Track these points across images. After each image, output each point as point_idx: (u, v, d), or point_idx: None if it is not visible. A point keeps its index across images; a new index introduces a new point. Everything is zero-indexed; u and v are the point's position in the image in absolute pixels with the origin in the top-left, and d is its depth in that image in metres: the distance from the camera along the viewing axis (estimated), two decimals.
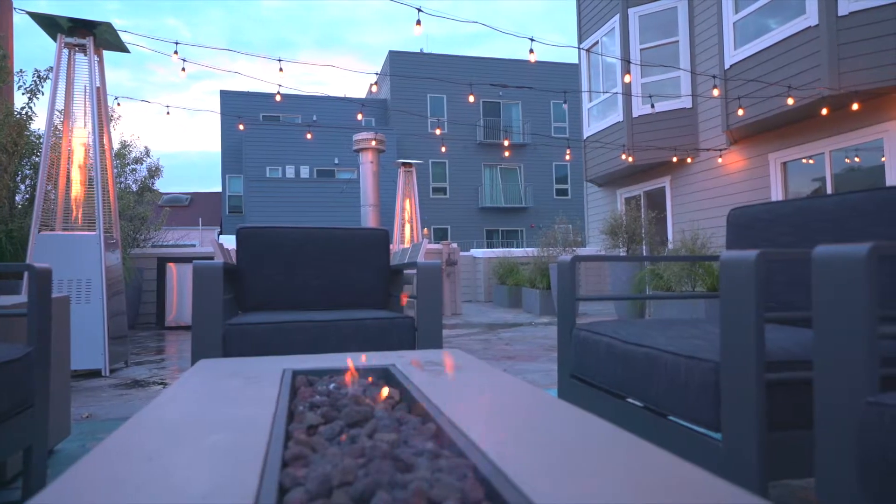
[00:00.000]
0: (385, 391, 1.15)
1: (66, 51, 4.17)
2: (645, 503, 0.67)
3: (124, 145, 7.59)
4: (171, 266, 7.16)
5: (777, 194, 8.42)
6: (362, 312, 2.31)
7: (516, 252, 11.53)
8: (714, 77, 8.53)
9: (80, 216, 4.15)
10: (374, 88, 6.47)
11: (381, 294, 2.75)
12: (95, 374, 3.94)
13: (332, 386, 1.21)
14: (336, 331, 2.10)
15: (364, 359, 1.49)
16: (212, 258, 6.96)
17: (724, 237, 8.61)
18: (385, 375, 1.36)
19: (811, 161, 8.03)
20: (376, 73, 6.76)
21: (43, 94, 5.35)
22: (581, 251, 10.07)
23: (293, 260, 2.62)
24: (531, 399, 1.16)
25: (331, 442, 0.85)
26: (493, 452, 0.80)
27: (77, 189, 4.18)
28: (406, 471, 0.71)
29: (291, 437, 0.86)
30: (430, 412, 0.99)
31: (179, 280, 7.12)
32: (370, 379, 1.30)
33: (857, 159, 7.54)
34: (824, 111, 7.31)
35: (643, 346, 1.54)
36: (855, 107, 7.00)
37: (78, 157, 4.24)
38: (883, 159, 7.04)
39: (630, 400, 1.64)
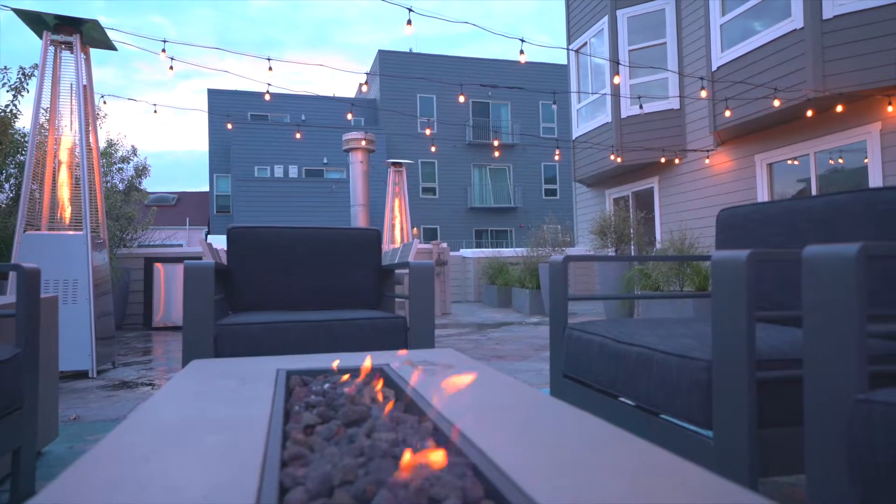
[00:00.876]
0: (380, 391, 1.15)
1: (51, 48, 4.11)
2: (643, 499, 0.67)
3: (111, 144, 7.51)
4: (159, 266, 7.10)
5: (763, 195, 8.52)
6: (354, 312, 2.31)
7: (506, 252, 11.57)
8: (701, 79, 8.61)
9: (66, 215, 4.10)
10: (365, 88, 6.47)
11: (373, 294, 2.75)
12: (82, 375, 3.89)
13: (326, 386, 1.21)
14: (328, 331, 2.10)
15: (357, 359, 1.49)
16: (200, 258, 6.91)
17: (711, 237, 8.70)
18: (379, 375, 1.36)
19: (796, 162, 8.14)
20: (366, 73, 6.75)
21: (28, 91, 5.28)
22: (570, 251, 10.12)
23: (285, 260, 2.61)
24: (526, 398, 1.17)
25: (329, 441, 0.85)
26: (492, 451, 0.80)
27: (63, 188, 4.14)
28: (405, 470, 0.71)
29: (289, 437, 0.86)
30: (426, 411, 0.99)
31: (167, 280, 7.06)
32: (363, 378, 1.31)
33: (840, 161, 7.65)
34: (809, 113, 7.41)
35: (635, 345, 1.56)
36: (839, 109, 7.10)
37: (64, 155, 4.19)
38: (866, 161, 7.16)
39: (622, 399, 1.66)
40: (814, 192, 7.98)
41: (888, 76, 6.44)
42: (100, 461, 0.71)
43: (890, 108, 6.75)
